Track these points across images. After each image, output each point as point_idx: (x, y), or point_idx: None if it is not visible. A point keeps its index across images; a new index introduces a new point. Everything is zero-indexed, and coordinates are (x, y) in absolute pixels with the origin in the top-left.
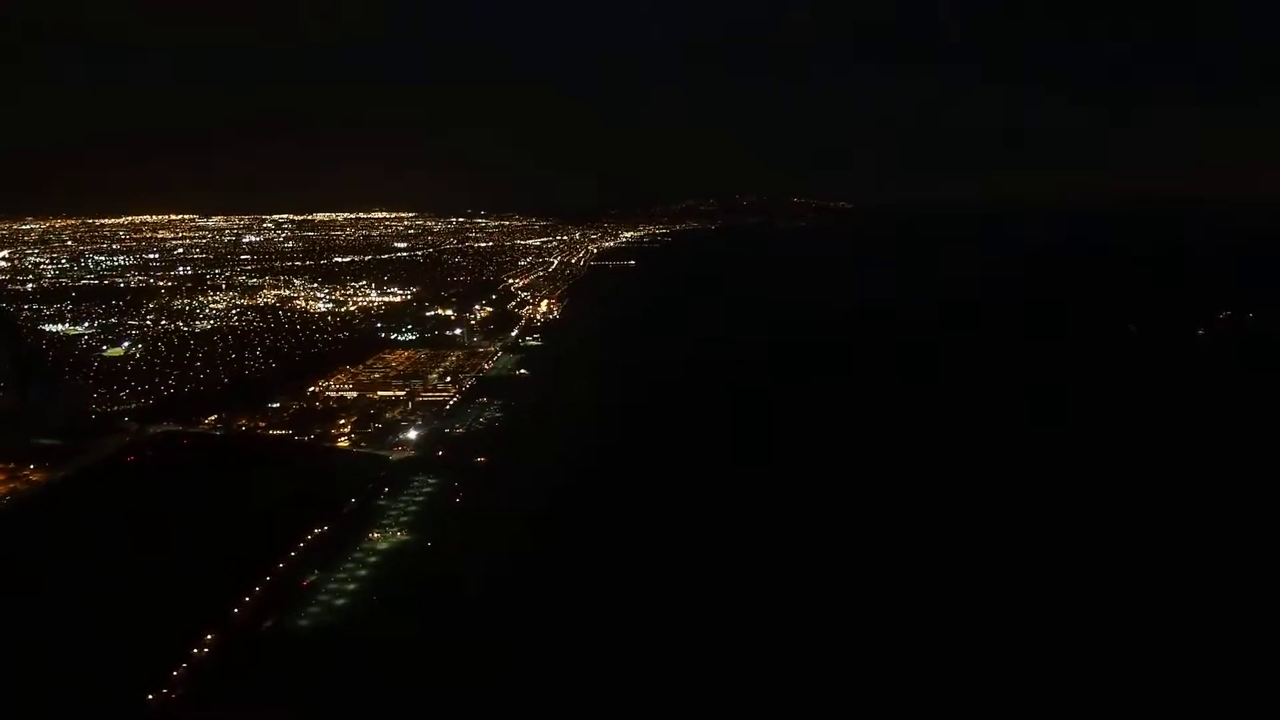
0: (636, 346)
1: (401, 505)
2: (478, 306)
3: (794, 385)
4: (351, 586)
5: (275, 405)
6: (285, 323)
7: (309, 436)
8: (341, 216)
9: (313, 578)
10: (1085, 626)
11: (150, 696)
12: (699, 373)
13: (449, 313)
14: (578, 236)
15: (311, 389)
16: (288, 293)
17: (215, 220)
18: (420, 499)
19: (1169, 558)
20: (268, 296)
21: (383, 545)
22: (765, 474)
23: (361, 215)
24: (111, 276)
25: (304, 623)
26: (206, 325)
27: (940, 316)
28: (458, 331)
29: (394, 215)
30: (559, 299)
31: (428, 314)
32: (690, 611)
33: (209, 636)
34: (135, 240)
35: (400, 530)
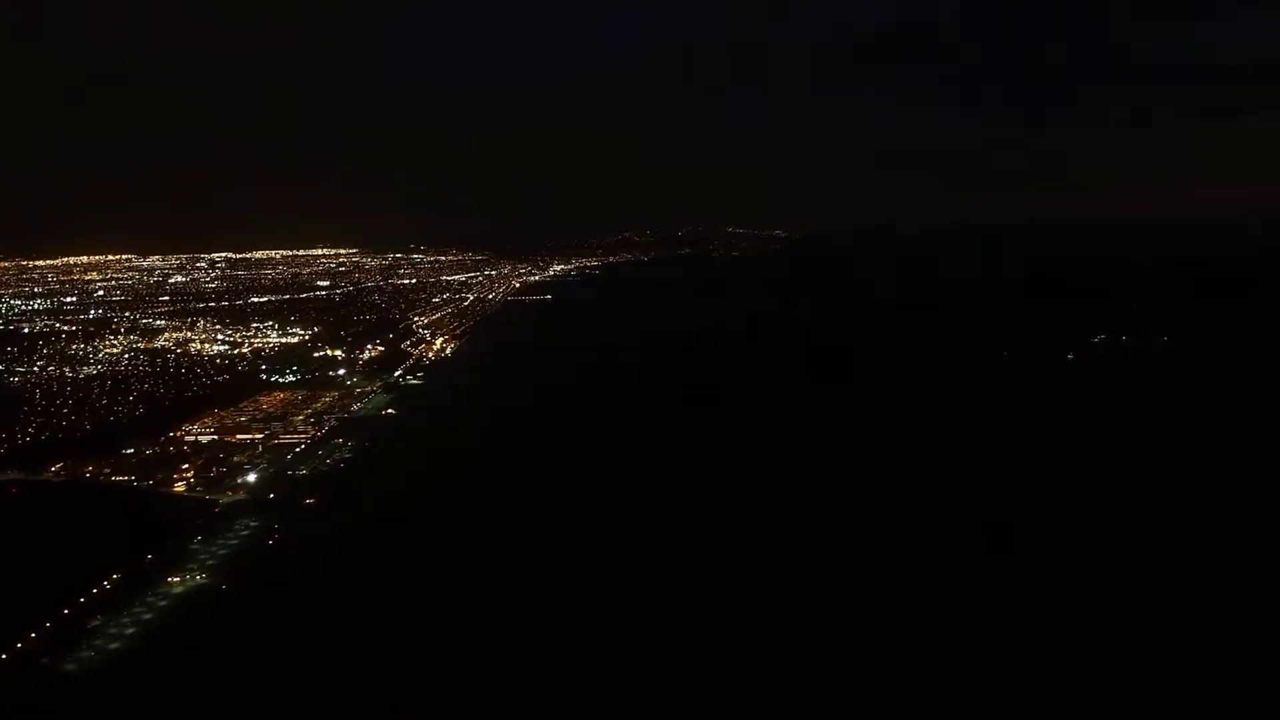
0: (511, 386)
1: (213, 549)
2: (370, 346)
3: (656, 433)
4: (131, 630)
5: (130, 451)
6: (172, 366)
7: (149, 481)
8: (280, 254)
9: (97, 621)
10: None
11: None
12: (562, 418)
13: (339, 353)
14: (506, 270)
15: (173, 433)
16: (189, 335)
17: (151, 260)
18: (234, 542)
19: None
20: (167, 339)
21: (179, 589)
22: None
23: (301, 252)
24: (19, 321)
25: (71, 666)
26: (93, 370)
27: (815, 342)
28: (341, 372)
29: (334, 251)
30: (457, 337)
31: (316, 354)
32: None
33: None
34: (61, 283)
35: (202, 573)
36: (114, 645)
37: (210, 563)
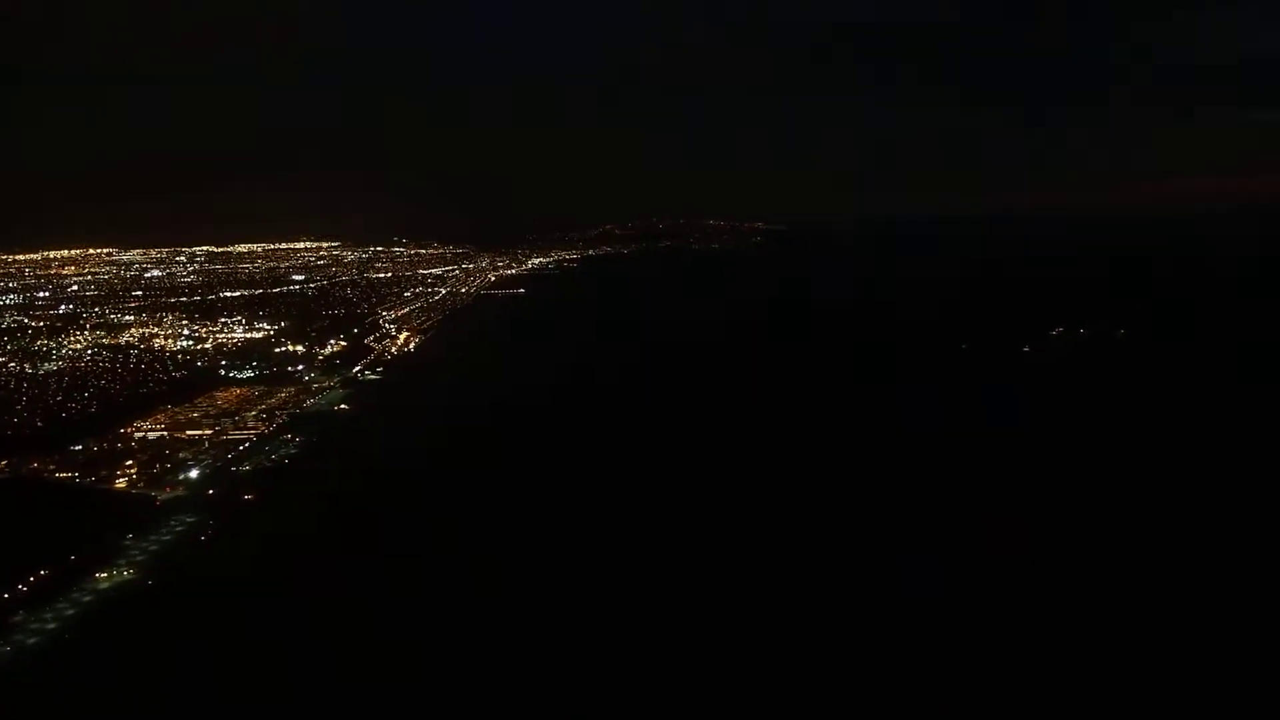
0: (469, 382)
1: (144, 545)
2: (333, 341)
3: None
4: (52, 625)
5: (78, 447)
6: (133, 362)
7: (91, 478)
8: (261, 248)
9: (18, 617)
10: None
11: None
12: (518, 416)
13: (301, 348)
14: (484, 264)
15: (124, 430)
16: (154, 330)
17: (132, 254)
18: (167, 538)
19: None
20: (132, 335)
21: (104, 585)
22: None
23: (283, 246)
24: None
25: None
26: (53, 366)
27: (773, 334)
28: (300, 367)
29: (316, 245)
30: (423, 332)
31: (278, 350)
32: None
33: None
34: (37, 277)
35: (130, 570)
36: (33, 640)
37: (140, 559)
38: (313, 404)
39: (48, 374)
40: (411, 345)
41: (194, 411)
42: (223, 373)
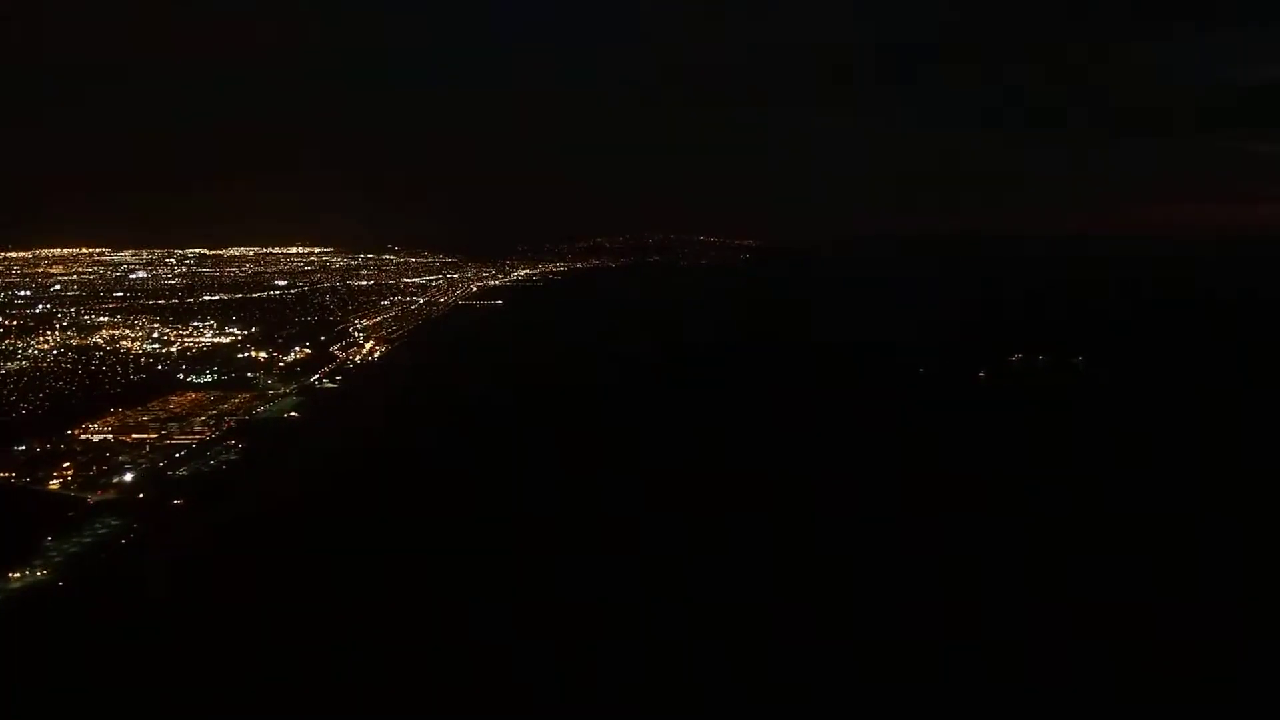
0: (427, 394)
1: (64, 547)
2: (299, 348)
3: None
4: None
5: (21, 448)
6: (94, 364)
7: (27, 479)
8: (253, 251)
9: None
10: None
11: None
12: (471, 430)
13: (265, 354)
14: (470, 274)
15: (70, 431)
16: (124, 333)
17: (122, 255)
18: (88, 539)
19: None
20: (101, 337)
21: (15, 585)
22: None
23: (275, 250)
24: None
25: None
26: (15, 366)
27: (739, 354)
28: (260, 373)
29: (307, 250)
30: (390, 342)
31: (241, 355)
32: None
33: None
34: (22, 275)
35: (45, 570)
36: None
37: (56, 559)
38: (263, 410)
39: (7, 374)
40: (376, 355)
41: (144, 415)
42: (181, 377)
